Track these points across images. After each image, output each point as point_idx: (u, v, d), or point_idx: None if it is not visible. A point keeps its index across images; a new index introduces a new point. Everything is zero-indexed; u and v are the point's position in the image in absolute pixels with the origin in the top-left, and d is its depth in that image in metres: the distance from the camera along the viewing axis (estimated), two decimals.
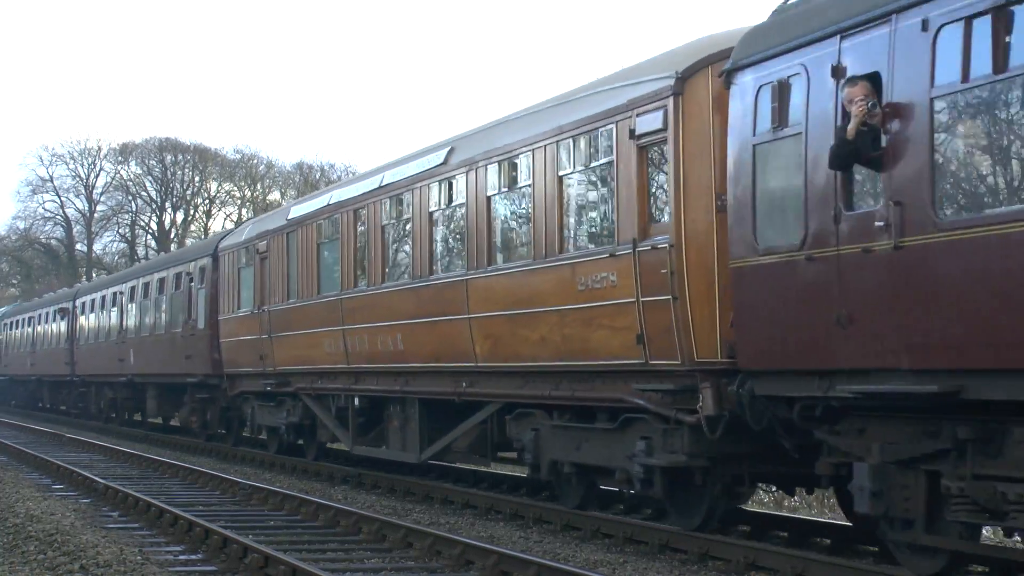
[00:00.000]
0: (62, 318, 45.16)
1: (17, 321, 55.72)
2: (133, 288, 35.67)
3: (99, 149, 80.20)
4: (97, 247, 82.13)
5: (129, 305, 35.76)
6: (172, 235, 78.24)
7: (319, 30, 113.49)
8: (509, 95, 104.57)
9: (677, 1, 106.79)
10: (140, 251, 78.44)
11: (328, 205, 21.10)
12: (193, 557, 12.50)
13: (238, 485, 18.86)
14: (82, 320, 42.32)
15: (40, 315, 50.05)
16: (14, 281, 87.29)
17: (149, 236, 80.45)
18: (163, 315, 31.70)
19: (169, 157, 78.84)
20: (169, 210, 79.79)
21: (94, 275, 70.74)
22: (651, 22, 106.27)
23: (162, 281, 32.13)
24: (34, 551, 12.50)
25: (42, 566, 11.63)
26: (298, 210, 23.06)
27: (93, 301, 41.33)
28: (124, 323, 36.27)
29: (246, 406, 25.66)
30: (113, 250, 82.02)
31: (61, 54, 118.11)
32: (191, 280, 29.20)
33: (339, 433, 21.11)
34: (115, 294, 38.01)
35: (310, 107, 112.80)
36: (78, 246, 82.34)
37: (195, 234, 76.66)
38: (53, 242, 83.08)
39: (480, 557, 11.53)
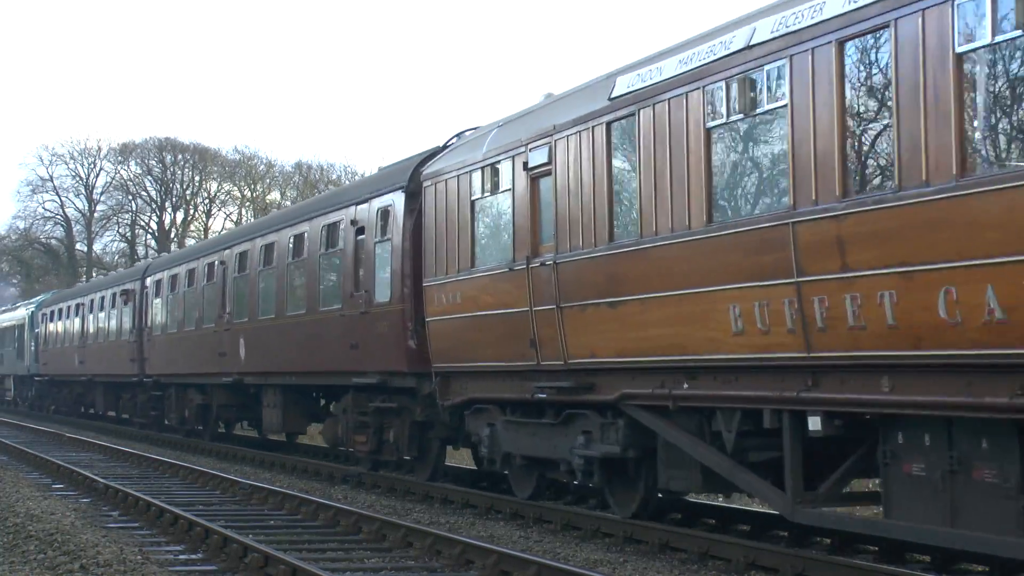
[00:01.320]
0: (126, 303, 36.05)
1: (60, 311, 46.19)
2: (244, 254, 26.01)
3: (99, 149, 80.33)
4: (97, 247, 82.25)
5: (236, 278, 26.36)
6: (172, 235, 78.26)
7: (319, 30, 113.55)
8: (509, 95, 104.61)
9: (677, 1, 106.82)
10: (140, 251, 78.41)
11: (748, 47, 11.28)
12: (193, 556, 12.50)
13: (238, 485, 18.86)
14: (157, 304, 33.09)
15: (93, 301, 40.82)
16: (14, 281, 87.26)
17: (149, 236, 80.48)
18: (301, 288, 22.47)
19: (169, 157, 78.89)
20: (169, 210, 79.85)
21: (94, 274, 70.60)
22: (651, 22, 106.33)
23: (299, 239, 22.70)
24: (34, 550, 12.50)
25: (42, 565, 11.63)
26: (647, 75, 12.81)
27: (175, 278, 31.51)
28: (227, 304, 26.87)
29: (478, 423, 16.61)
30: (113, 250, 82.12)
31: (61, 54, 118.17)
32: (360, 232, 19.86)
33: (745, 482, 11.90)
34: (213, 265, 28.07)
35: (310, 107, 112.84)
36: (78, 246, 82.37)
37: (195, 233, 76.70)
38: (53, 242, 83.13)
39: (480, 556, 11.53)
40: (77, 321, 42.71)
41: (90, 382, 41.84)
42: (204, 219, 79.13)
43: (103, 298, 39.23)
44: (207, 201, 79.52)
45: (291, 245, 22.99)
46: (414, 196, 18.00)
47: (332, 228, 21.01)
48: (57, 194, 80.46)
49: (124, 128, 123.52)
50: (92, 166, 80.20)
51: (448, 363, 16.77)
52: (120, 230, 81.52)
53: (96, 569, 11.21)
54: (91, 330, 40.50)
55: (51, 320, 47.59)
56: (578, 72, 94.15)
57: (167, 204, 79.70)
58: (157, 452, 27.25)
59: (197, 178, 79.40)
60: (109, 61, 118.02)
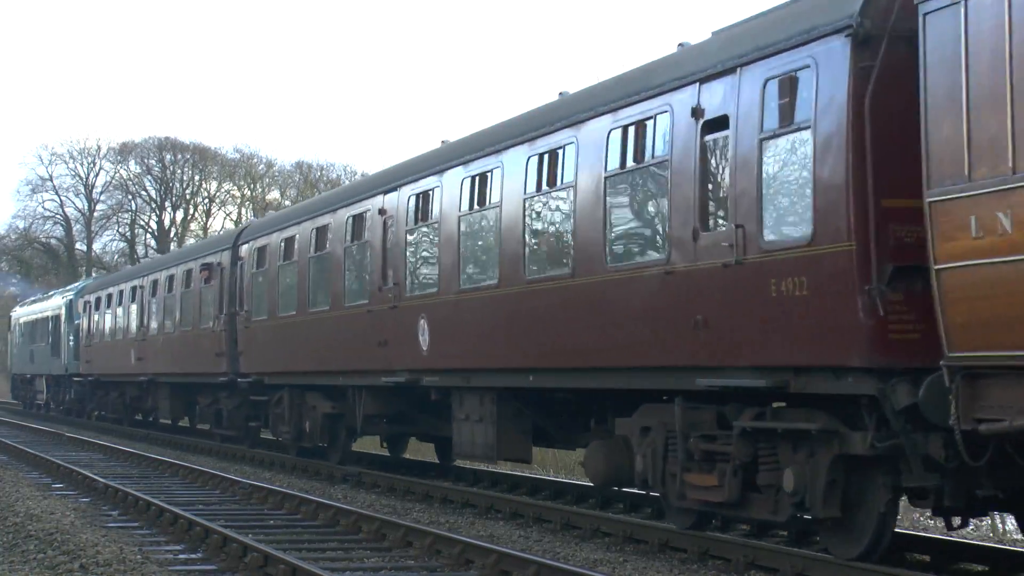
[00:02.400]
0: (207, 281, 27.56)
1: (108, 297, 38.13)
2: (426, 196, 17.44)
3: (99, 148, 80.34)
4: (97, 246, 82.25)
5: (423, 231, 17.55)
6: (172, 234, 78.28)
7: (319, 30, 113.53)
8: (508, 95, 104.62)
9: (676, 2, 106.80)
10: (140, 250, 78.44)
11: None
12: (193, 556, 12.49)
13: (238, 484, 18.85)
14: (259, 280, 24.32)
15: (157, 282, 32.35)
16: (14, 280, 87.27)
17: (149, 235, 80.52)
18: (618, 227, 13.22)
19: (169, 156, 78.91)
20: (169, 209, 79.89)
21: (93, 274, 70.55)
22: (649, 22, 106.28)
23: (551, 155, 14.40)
24: (34, 550, 12.50)
25: (42, 565, 11.62)
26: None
27: (290, 242, 22.59)
28: (390, 273, 18.41)
29: None
30: (113, 249, 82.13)
31: (61, 54, 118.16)
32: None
33: None
34: (364, 219, 19.50)
35: (309, 106, 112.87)
36: (78, 245, 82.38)
37: (195, 233, 76.73)
38: (53, 241, 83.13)
39: (480, 556, 11.53)
40: (133, 309, 34.65)
41: (151, 383, 33.31)
42: (204, 219, 79.23)
43: (170, 278, 31.10)
44: (207, 200, 79.62)
45: (542, 157, 14.57)
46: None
47: (640, 125, 12.80)
48: (57, 193, 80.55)
49: (124, 127, 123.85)
50: (92, 165, 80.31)
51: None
52: (120, 229, 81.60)
53: (96, 568, 11.21)
54: (153, 319, 32.42)
55: (96, 309, 39.49)
56: (578, 73, 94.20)
57: (167, 203, 79.76)
58: (157, 452, 27.24)
59: (197, 177, 79.46)
60: (109, 61, 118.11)
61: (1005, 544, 12.89)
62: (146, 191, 79.92)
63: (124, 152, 79.49)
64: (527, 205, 14.71)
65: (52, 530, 13.74)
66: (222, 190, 79.11)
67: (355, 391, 20.22)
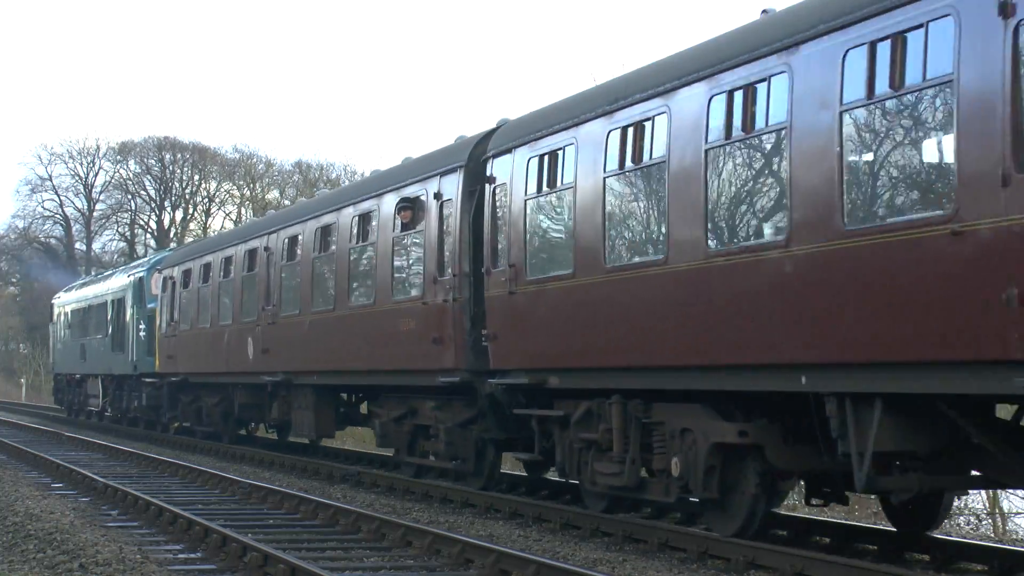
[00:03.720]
0: (407, 226, 18.10)
1: (206, 268, 28.33)
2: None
3: (98, 148, 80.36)
4: (96, 246, 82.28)
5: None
6: (171, 234, 78.28)
7: (318, 29, 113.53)
8: (508, 96, 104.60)
9: (676, 2, 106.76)
10: (140, 250, 78.41)
11: None
12: (192, 556, 12.49)
13: (237, 484, 18.84)
14: (539, 216, 14.87)
15: (299, 238, 22.66)
16: (13, 280, 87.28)
17: (148, 235, 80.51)
18: None
19: (168, 156, 78.93)
20: (168, 209, 79.91)
21: (92, 273, 70.45)
22: (648, 22, 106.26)
23: None
24: (33, 549, 12.49)
25: (41, 564, 11.62)
26: None
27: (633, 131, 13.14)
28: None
29: None
30: (112, 249, 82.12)
31: (60, 53, 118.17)
32: None
33: None
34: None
35: (309, 106, 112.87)
36: (77, 245, 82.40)
37: (194, 232, 76.74)
38: (52, 241, 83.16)
39: (479, 556, 11.52)
40: (250, 279, 25.03)
41: (284, 385, 23.44)
42: (203, 218, 79.23)
43: (326, 230, 21.26)
44: (206, 200, 79.61)
45: None
46: None
47: None
48: (56, 193, 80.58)
49: (123, 127, 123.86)
50: (91, 165, 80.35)
51: None
52: (119, 229, 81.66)
53: (95, 568, 11.20)
54: (284, 292, 23.11)
55: (184, 286, 29.94)
56: (577, 73, 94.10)
57: (166, 203, 79.79)
58: (156, 451, 27.24)
59: (196, 177, 79.49)
60: (108, 60, 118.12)
61: (1005, 544, 12.90)
62: (145, 191, 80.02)
63: (123, 152, 79.58)
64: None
65: (51, 529, 13.74)
66: (222, 190, 79.20)
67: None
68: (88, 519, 15.11)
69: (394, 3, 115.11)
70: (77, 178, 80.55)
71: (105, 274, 43.87)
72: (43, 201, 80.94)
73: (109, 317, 37.71)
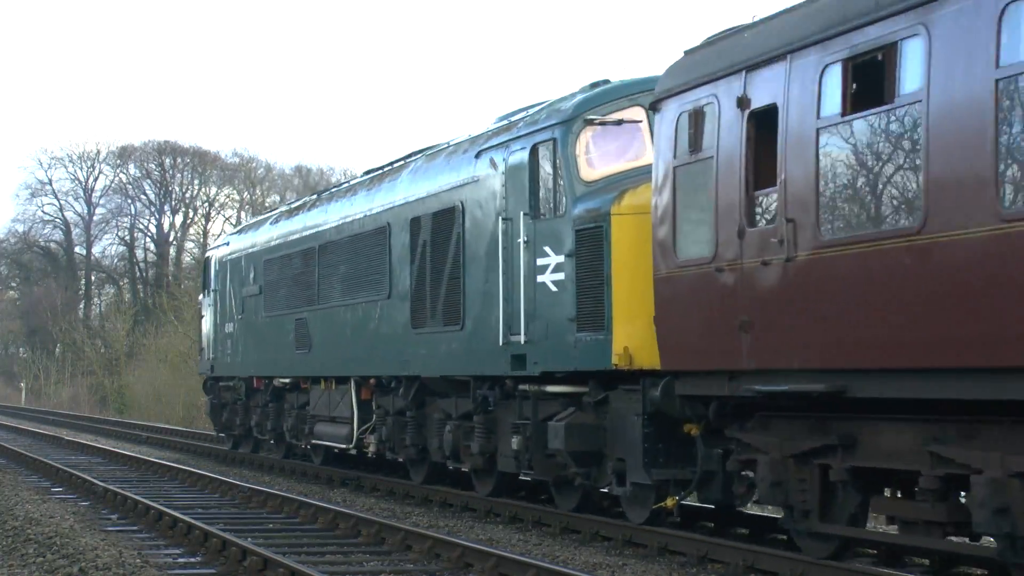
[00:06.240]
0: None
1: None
2: None
3: (98, 152, 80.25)
4: (96, 250, 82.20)
5: None
6: (171, 238, 78.29)
7: (317, 34, 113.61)
8: (508, 96, 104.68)
9: (675, 3, 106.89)
10: (139, 254, 78.42)
11: None
12: (192, 559, 12.50)
13: (237, 488, 18.85)
14: None
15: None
16: (13, 284, 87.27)
17: (148, 239, 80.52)
18: None
19: (168, 160, 78.87)
20: (168, 213, 79.83)
21: (92, 278, 70.34)
22: (648, 22, 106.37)
23: None
24: (33, 554, 12.50)
25: (41, 569, 11.63)
26: None
27: None
28: None
29: None
30: (112, 253, 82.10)
31: (60, 57, 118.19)
32: None
33: None
34: None
35: (308, 110, 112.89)
36: (77, 249, 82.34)
37: (194, 237, 76.78)
38: (52, 245, 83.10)
39: (479, 559, 11.53)
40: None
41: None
42: (203, 222, 79.24)
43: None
44: (206, 204, 79.59)
45: None
46: None
47: None
48: (56, 197, 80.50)
49: (123, 131, 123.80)
50: (91, 169, 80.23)
51: None
52: (119, 233, 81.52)
53: (95, 572, 11.21)
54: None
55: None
56: (577, 73, 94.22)
57: (166, 207, 79.73)
58: (156, 456, 27.23)
59: (196, 181, 79.43)
60: (108, 65, 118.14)
61: None
62: (145, 195, 79.92)
63: (123, 156, 79.51)
64: None
65: (51, 534, 13.75)
66: (221, 194, 79.19)
67: None
68: (88, 523, 15.12)
69: (393, 8, 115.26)
70: (77, 182, 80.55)
71: (379, 170, 20.32)
72: (43, 205, 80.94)
73: (427, 250, 17.02)
